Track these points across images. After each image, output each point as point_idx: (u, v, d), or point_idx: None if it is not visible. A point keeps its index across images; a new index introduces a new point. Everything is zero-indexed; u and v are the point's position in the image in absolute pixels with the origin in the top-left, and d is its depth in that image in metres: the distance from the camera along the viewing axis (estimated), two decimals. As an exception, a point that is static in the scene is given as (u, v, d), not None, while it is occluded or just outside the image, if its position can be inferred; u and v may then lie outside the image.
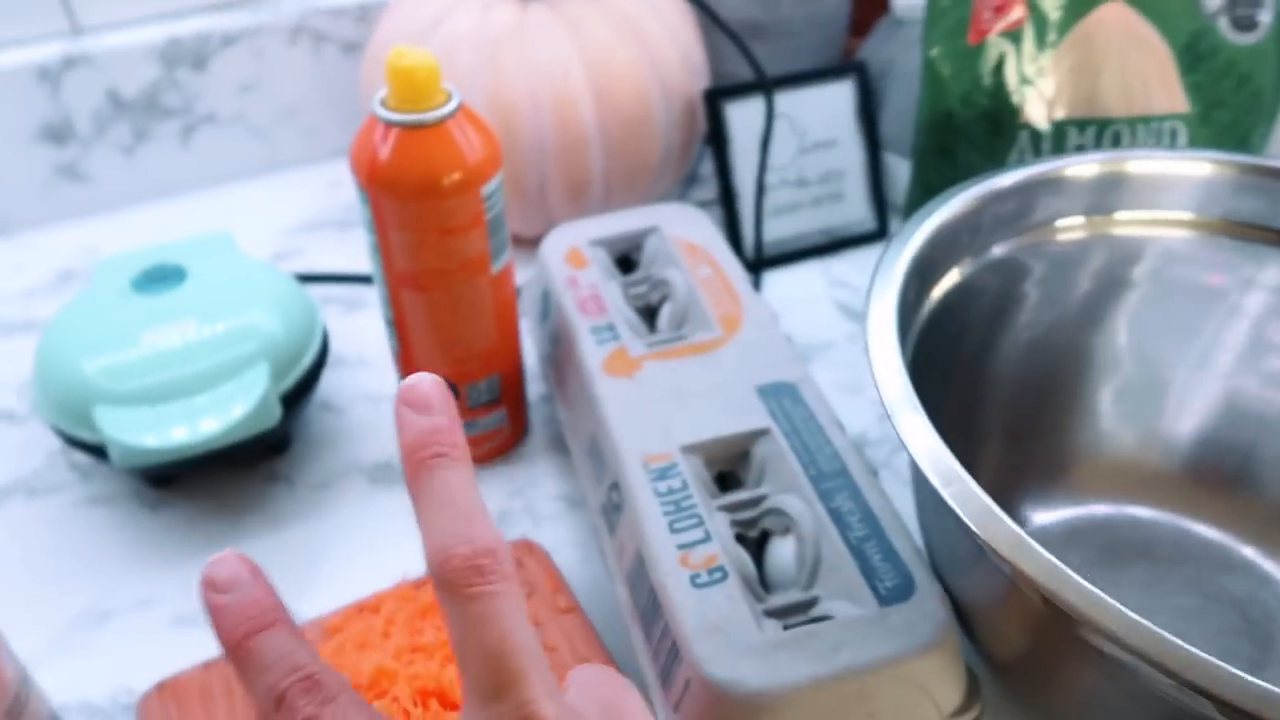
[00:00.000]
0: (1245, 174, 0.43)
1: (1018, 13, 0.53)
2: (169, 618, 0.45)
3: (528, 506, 0.49)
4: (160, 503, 0.50)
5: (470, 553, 0.22)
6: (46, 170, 0.68)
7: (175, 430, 0.44)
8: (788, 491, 0.39)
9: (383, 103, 0.41)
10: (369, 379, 0.57)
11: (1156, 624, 0.26)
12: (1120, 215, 0.44)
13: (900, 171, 0.67)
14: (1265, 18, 0.53)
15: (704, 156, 0.73)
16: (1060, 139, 0.53)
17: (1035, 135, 0.53)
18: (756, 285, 0.63)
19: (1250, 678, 0.24)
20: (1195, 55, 0.52)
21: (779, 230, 0.66)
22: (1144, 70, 0.52)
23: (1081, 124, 0.53)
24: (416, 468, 0.23)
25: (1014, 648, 0.35)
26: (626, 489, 0.39)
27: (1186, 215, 0.44)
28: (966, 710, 0.34)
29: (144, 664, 0.42)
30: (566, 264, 0.50)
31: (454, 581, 0.22)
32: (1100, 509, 0.46)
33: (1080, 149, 0.53)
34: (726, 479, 0.42)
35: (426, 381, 0.24)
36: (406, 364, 0.48)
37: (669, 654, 0.34)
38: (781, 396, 0.42)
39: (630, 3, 0.61)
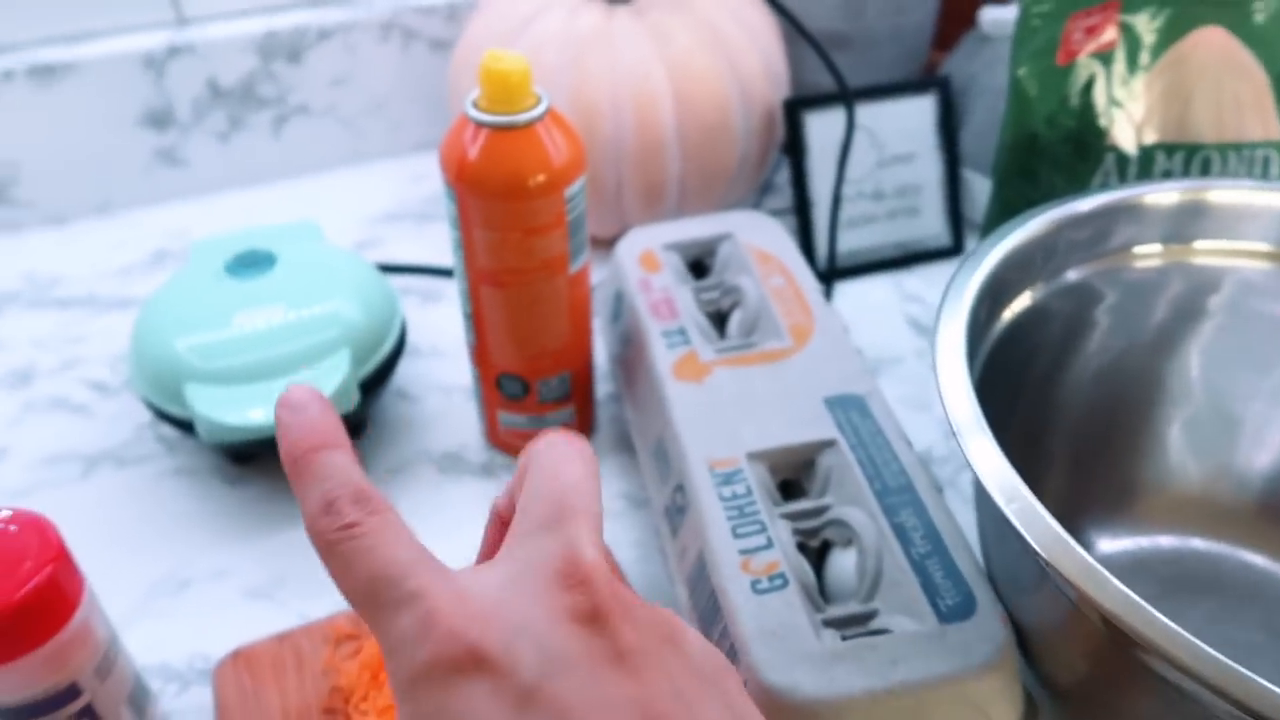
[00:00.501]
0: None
1: (1110, 34, 0.52)
2: (243, 589, 0.47)
3: (591, 503, 0.50)
4: (239, 478, 0.52)
5: (324, 504, 0.22)
6: (147, 154, 0.71)
7: (255, 411, 0.46)
8: (851, 503, 0.39)
9: (474, 104, 0.42)
10: (443, 370, 0.58)
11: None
12: (1199, 244, 0.44)
13: (979, 189, 0.66)
14: (1369, 47, 0.51)
15: (780, 165, 0.74)
16: (1147, 163, 0.52)
17: (1122, 159, 0.53)
18: (828, 296, 0.63)
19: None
20: (1294, 83, 0.51)
21: (852, 242, 0.66)
22: (1239, 97, 0.51)
23: (1170, 149, 0.52)
24: (294, 464, 0.23)
25: (1073, 673, 0.34)
26: (691, 492, 0.40)
27: (1266, 246, 0.43)
28: (1022, 733, 0.34)
29: (218, 632, 0.44)
30: (640, 267, 0.51)
31: (317, 536, 0.22)
32: (1167, 541, 0.46)
33: (1168, 174, 0.53)
34: (790, 487, 0.42)
35: (299, 389, 0.24)
36: (481, 357, 0.49)
37: (727, 656, 0.35)
38: (849, 408, 0.43)
39: (715, 10, 0.62)
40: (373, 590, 0.21)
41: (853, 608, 0.36)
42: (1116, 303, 0.44)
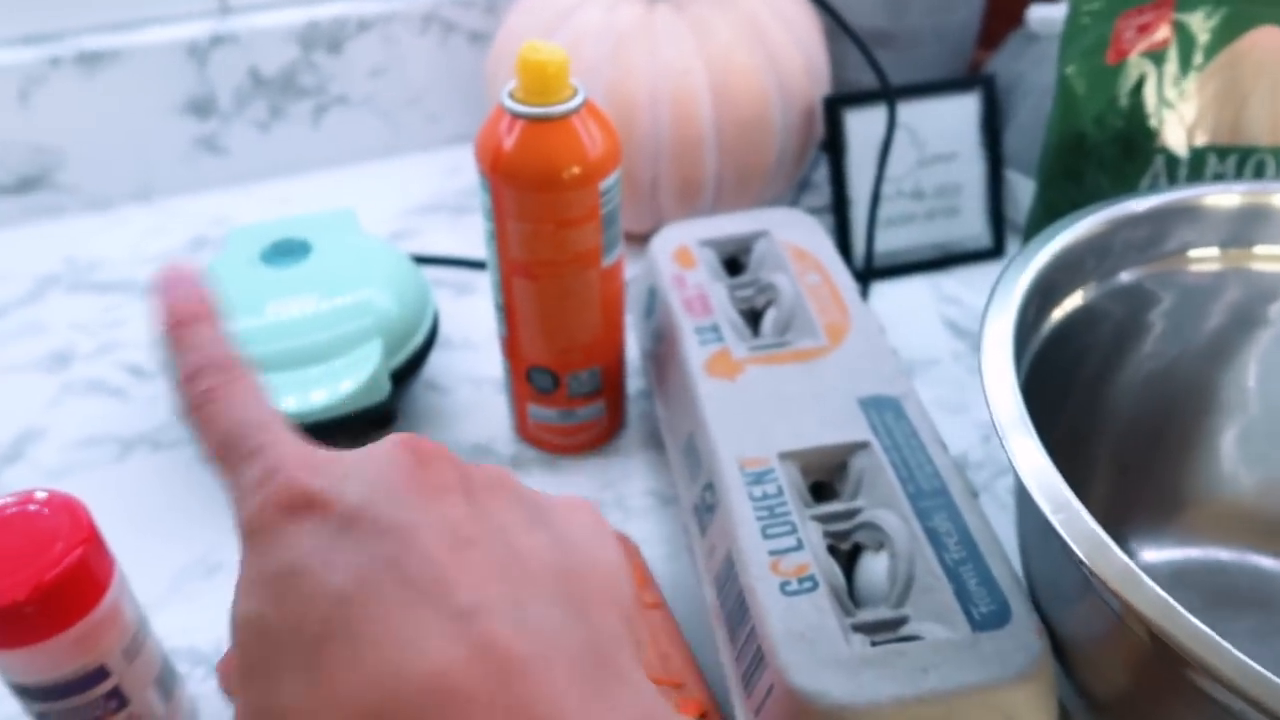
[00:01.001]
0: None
1: (1163, 33, 0.51)
2: (272, 576, 0.47)
3: (619, 499, 0.50)
4: (271, 465, 0.52)
5: (189, 373, 0.24)
6: (188, 141, 0.71)
7: (286, 399, 0.46)
8: (884, 506, 0.38)
9: (511, 94, 0.42)
10: (474, 362, 0.58)
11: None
12: (1259, 249, 0.42)
13: (1023, 189, 0.65)
14: None
15: (818, 163, 0.73)
16: (1198, 166, 0.51)
17: (1171, 160, 0.51)
18: (864, 295, 0.62)
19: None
20: (1353, 85, 0.49)
21: (891, 242, 0.65)
22: (1296, 98, 0.50)
23: (1223, 151, 0.51)
24: (166, 336, 0.24)
25: (1114, 686, 0.33)
26: (721, 490, 0.39)
27: (1331, 254, 0.42)
28: (1056, 747, 0.34)
29: (247, 617, 0.44)
30: (674, 262, 0.51)
31: (183, 402, 0.24)
32: (1214, 553, 0.44)
33: (1219, 177, 0.51)
34: (822, 489, 0.41)
35: (175, 266, 0.25)
36: (513, 350, 0.49)
37: (753, 658, 0.34)
38: (884, 410, 0.42)
39: (756, 6, 0.61)
40: (227, 446, 0.23)
41: (883, 613, 0.35)
42: (1171, 307, 0.43)
